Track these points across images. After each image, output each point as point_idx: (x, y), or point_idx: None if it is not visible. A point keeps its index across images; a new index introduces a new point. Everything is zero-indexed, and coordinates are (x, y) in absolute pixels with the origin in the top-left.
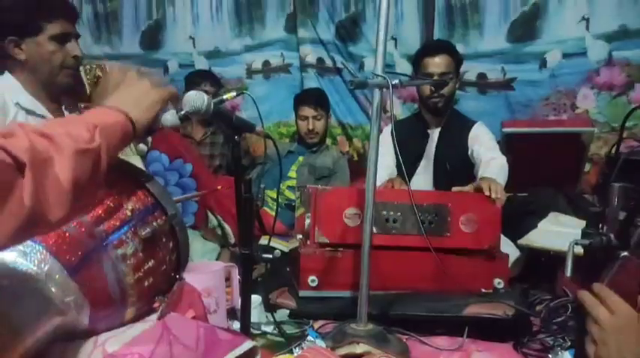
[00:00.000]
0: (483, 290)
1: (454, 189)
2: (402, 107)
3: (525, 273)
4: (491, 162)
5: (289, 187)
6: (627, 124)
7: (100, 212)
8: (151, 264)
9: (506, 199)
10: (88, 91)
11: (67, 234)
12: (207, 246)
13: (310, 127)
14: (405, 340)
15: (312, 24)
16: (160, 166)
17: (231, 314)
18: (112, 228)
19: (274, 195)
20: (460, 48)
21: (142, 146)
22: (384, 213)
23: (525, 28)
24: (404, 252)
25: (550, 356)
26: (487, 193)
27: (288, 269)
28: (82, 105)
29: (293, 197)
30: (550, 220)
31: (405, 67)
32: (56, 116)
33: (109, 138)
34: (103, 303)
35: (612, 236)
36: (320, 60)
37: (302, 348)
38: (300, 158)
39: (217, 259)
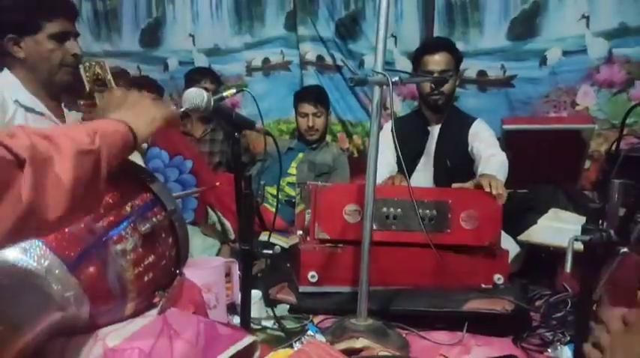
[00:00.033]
0: (483, 285)
1: (454, 185)
2: (402, 104)
3: (525, 269)
4: (491, 158)
5: (289, 184)
6: (627, 121)
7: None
8: (150, 259)
9: (507, 196)
10: (87, 89)
11: (67, 230)
12: (207, 242)
13: (310, 124)
14: (404, 335)
15: (312, 21)
16: (160, 163)
17: (232, 309)
18: (111, 224)
19: (274, 192)
20: (460, 45)
21: None
22: (384, 209)
23: (525, 26)
24: (404, 248)
25: (549, 350)
26: (487, 190)
27: (288, 264)
28: (82, 102)
29: (293, 193)
30: (550, 216)
31: (404, 65)
32: (56, 114)
33: (110, 145)
34: (103, 298)
35: (612, 232)
36: (320, 57)
37: (302, 343)
38: (300, 155)
39: (217, 255)
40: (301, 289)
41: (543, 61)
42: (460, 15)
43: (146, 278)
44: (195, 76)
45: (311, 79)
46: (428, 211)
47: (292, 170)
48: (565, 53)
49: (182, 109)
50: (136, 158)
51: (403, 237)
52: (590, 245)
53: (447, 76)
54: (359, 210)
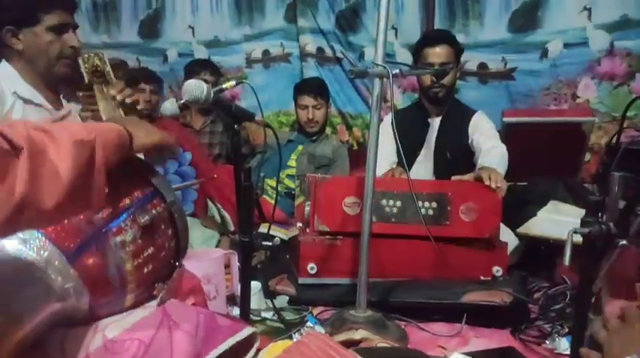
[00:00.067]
0: (482, 277)
1: (454, 178)
2: (402, 96)
3: (524, 261)
4: (491, 151)
5: (289, 176)
6: (628, 114)
7: None
8: (150, 251)
9: (506, 188)
10: (86, 80)
11: (66, 222)
12: (206, 234)
13: (310, 116)
14: (403, 326)
15: (312, 13)
16: None
17: (231, 300)
18: (110, 216)
19: (274, 184)
20: (461, 38)
21: None
22: (384, 201)
23: (526, 18)
24: (403, 240)
25: (547, 342)
26: (487, 182)
27: (287, 256)
28: (80, 94)
29: (293, 185)
30: (549, 209)
31: (405, 57)
32: (54, 106)
33: (105, 141)
34: (103, 290)
35: (612, 225)
36: (320, 49)
37: (301, 334)
38: (300, 147)
39: (217, 246)
40: (301, 281)
41: (544, 54)
42: (461, 7)
43: (146, 270)
44: (195, 67)
45: (311, 71)
46: (427, 203)
47: (292, 162)
48: (566, 45)
49: (182, 101)
50: None
51: (402, 229)
52: (589, 237)
53: (448, 68)
54: (358, 203)
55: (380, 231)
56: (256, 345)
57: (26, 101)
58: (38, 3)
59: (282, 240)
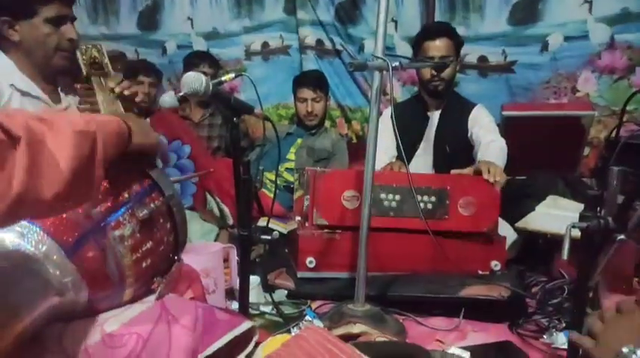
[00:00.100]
0: (480, 272)
1: (453, 171)
2: (401, 89)
3: (522, 256)
4: (490, 144)
5: (288, 169)
6: (628, 108)
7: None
8: (148, 245)
9: (505, 182)
10: (84, 72)
11: (64, 216)
12: (205, 228)
13: (309, 109)
14: (401, 320)
15: (311, 5)
16: None
17: (230, 294)
18: (109, 210)
19: (273, 177)
20: (461, 30)
21: None
22: (383, 195)
23: (527, 11)
24: (402, 234)
25: (545, 337)
26: (486, 176)
27: (286, 250)
28: (79, 86)
29: (292, 179)
30: (548, 203)
31: (405, 50)
32: (52, 98)
33: (104, 132)
34: (101, 284)
35: (610, 219)
36: (319, 42)
37: (300, 328)
38: (299, 140)
39: (216, 240)
40: (299, 275)
41: (544, 47)
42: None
43: (144, 264)
44: (194, 60)
45: (310, 63)
46: (426, 197)
47: (291, 155)
48: (566, 39)
49: (180, 93)
50: None
51: (401, 223)
52: (587, 232)
53: (448, 61)
54: (357, 196)
55: (379, 225)
56: (255, 339)
57: (24, 93)
58: None
59: (280, 233)
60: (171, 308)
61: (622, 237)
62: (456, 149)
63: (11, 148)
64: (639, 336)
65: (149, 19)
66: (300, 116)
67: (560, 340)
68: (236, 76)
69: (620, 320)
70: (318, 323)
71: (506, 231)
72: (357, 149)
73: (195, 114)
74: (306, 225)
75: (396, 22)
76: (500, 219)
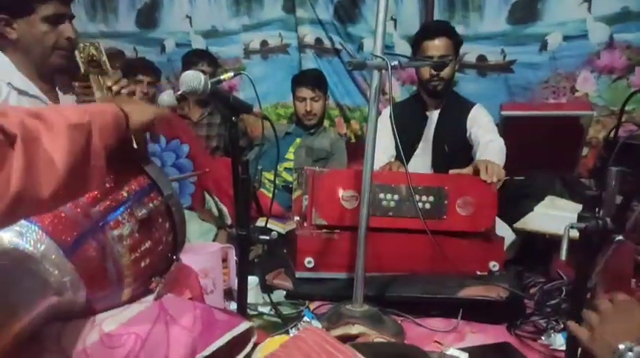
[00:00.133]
0: (478, 272)
1: (452, 171)
2: (400, 89)
3: (521, 256)
4: (489, 144)
5: (287, 169)
6: (626, 108)
7: (95, 193)
8: (147, 244)
9: (503, 183)
10: (82, 70)
11: (63, 215)
12: (204, 227)
13: (308, 109)
14: (400, 321)
15: (310, 4)
16: (157, 147)
17: (228, 294)
18: (108, 209)
19: (271, 177)
20: (460, 29)
21: None
22: (381, 195)
23: (526, 10)
24: (400, 234)
25: (543, 338)
26: (483, 177)
27: (284, 250)
28: (77, 84)
29: (290, 179)
30: (546, 204)
31: (404, 49)
32: (49, 97)
33: (101, 121)
34: (100, 284)
35: (608, 220)
36: (318, 40)
37: (298, 329)
38: (298, 140)
39: (214, 240)
40: (298, 275)
41: (543, 46)
42: None
43: (143, 264)
44: (193, 58)
45: (309, 62)
46: (425, 197)
47: (290, 155)
48: (565, 38)
49: (179, 92)
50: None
51: (400, 223)
52: (585, 232)
53: (447, 60)
54: (356, 196)
55: (377, 225)
56: (253, 340)
57: (21, 92)
58: None
59: (279, 233)
60: (170, 309)
61: (620, 237)
62: (454, 149)
63: (8, 148)
64: (637, 334)
65: (148, 17)
66: (298, 115)
67: (559, 341)
68: (235, 75)
69: (617, 314)
70: (316, 323)
71: (504, 231)
72: (356, 149)
73: (194, 113)
74: (305, 225)
75: (395, 20)
76: (498, 220)
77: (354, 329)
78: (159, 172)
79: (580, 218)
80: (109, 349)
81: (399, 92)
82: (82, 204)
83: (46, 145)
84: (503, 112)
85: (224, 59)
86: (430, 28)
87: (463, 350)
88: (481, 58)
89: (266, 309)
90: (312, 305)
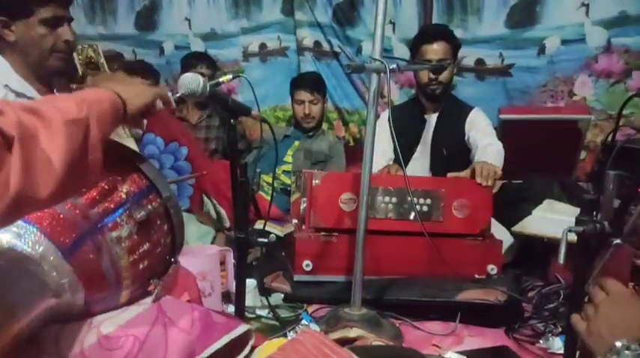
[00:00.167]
0: (477, 276)
1: (450, 174)
2: (399, 92)
3: (519, 260)
4: (487, 148)
5: (285, 172)
6: (624, 112)
7: (94, 194)
8: (145, 246)
9: (501, 186)
10: (80, 72)
11: (62, 216)
12: (202, 230)
13: (307, 112)
14: (398, 325)
15: (309, 7)
16: (155, 149)
17: (226, 297)
18: (106, 211)
19: (270, 180)
20: (458, 33)
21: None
22: (379, 198)
23: (524, 14)
24: (398, 237)
25: (541, 341)
26: (479, 180)
27: (283, 253)
28: (75, 86)
29: (289, 181)
30: (544, 207)
31: (402, 52)
32: None
33: (98, 112)
34: (98, 286)
35: (606, 223)
36: (317, 43)
37: (296, 332)
38: (297, 142)
39: (212, 243)
40: (296, 278)
41: (542, 50)
42: (459, 2)
43: (141, 266)
44: (192, 60)
45: (308, 65)
46: (422, 200)
47: (288, 158)
48: (564, 42)
49: (178, 94)
50: (130, 144)
51: (397, 225)
52: (583, 236)
53: (445, 63)
54: (354, 199)
55: (375, 228)
56: (251, 343)
57: (18, 94)
58: None
59: (277, 236)
60: (168, 311)
61: (618, 241)
62: (453, 152)
63: (6, 152)
64: (636, 333)
65: (147, 20)
66: (297, 118)
67: (557, 345)
68: (234, 77)
69: (613, 307)
70: (314, 327)
71: (502, 234)
72: (355, 152)
73: (193, 115)
74: (303, 227)
75: (393, 24)
76: (496, 223)
77: (353, 333)
78: (157, 174)
79: (578, 221)
80: (107, 351)
81: (398, 95)
82: (81, 205)
83: (43, 145)
84: (502, 116)
85: (223, 62)
86: (429, 32)
87: (461, 353)
88: (479, 62)
89: (264, 312)
90: (310, 308)
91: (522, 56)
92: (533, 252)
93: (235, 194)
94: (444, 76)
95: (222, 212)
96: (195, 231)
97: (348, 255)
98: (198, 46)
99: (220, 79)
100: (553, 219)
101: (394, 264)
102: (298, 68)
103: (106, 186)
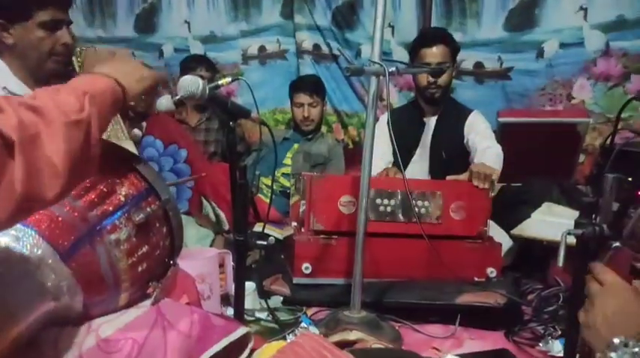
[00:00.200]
0: (476, 278)
1: (449, 177)
2: (398, 95)
3: (518, 263)
4: (486, 151)
5: (284, 174)
6: (623, 115)
7: (93, 197)
8: (144, 249)
9: (500, 189)
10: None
11: (60, 219)
12: (201, 233)
13: (306, 114)
14: (397, 327)
15: (308, 10)
16: (155, 152)
17: (225, 300)
18: (105, 213)
19: (269, 182)
20: (457, 36)
21: (136, 131)
22: (378, 200)
23: (523, 17)
24: (398, 239)
25: (541, 344)
26: (475, 183)
27: (282, 256)
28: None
29: (288, 184)
30: (543, 210)
31: (401, 55)
32: None
33: (100, 105)
34: (97, 288)
35: (605, 226)
36: (316, 46)
37: (295, 335)
38: (296, 145)
39: (211, 245)
40: (295, 280)
41: (540, 53)
42: (458, 5)
43: (140, 269)
44: (191, 63)
45: (307, 68)
46: (420, 202)
47: (287, 160)
48: (562, 45)
49: (177, 97)
50: (129, 146)
51: (396, 227)
52: (582, 239)
53: (444, 67)
54: (354, 201)
55: (374, 230)
56: (250, 345)
57: (16, 97)
58: None
59: (276, 239)
60: (167, 314)
61: (617, 244)
62: (452, 155)
63: (6, 154)
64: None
65: (146, 22)
66: (296, 121)
67: (556, 348)
68: (233, 80)
69: (608, 299)
70: (313, 329)
71: (501, 237)
72: (354, 154)
73: (192, 118)
74: (303, 230)
75: (392, 27)
76: (495, 226)
77: (352, 335)
78: (156, 177)
79: (577, 224)
80: (105, 354)
81: (397, 98)
82: (79, 208)
83: (46, 148)
84: (501, 119)
85: (222, 64)
86: (427, 35)
87: (461, 356)
88: (478, 65)
89: (263, 315)
90: (310, 311)
91: (521, 59)
92: (533, 255)
93: (234, 196)
94: (442, 80)
95: (222, 214)
96: (194, 234)
97: (348, 257)
98: (197, 48)
99: (219, 82)
100: (552, 222)
101: (394, 267)
102: (297, 71)
103: (104, 189)
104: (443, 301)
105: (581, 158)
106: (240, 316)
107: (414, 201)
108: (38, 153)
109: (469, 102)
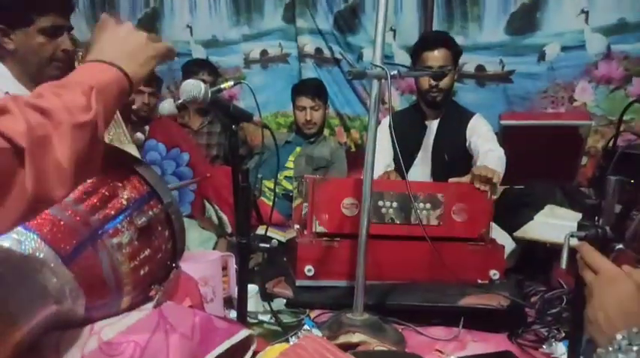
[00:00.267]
0: (479, 281)
1: (451, 180)
2: (400, 98)
3: (521, 265)
4: (488, 153)
5: (287, 177)
6: (625, 118)
7: (95, 201)
8: (146, 252)
9: (503, 192)
10: None
11: (62, 223)
12: (204, 236)
13: (308, 118)
14: (400, 330)
15: (310, 14)
16: (157, 155)
17: (228, 303)
18: (107, 217)
19: (272, 185)
20: (459, 40)
21: (138, 135)
22: (380, 202)
23: (525, 21)
24: (401, 242)
25: (544, 347)
26: (477, 185)
27: (285, 258)
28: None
29: (290, 187)
30: (546, 213)
31: (403, 59)
32: None
33: (106, 100)
34: (99, 292)
35: (608, 229)
36: (318, 50)
37: (298, 337)
38: (298, 148)
39: (214, 248)
40: (298, 283)
41: (542, 57)
42: (459, 9)
43: (142, 272)
44: (193, 67)
45: (309, 71)
46: (422, 205)
47: (290, 164)
48: (564, 48)
49: (179, 101)
50: (132, 150)
51: (399, 229)
52: (585, 241)
53: (446, 70)
54: (356, 204)
55: (377, 233)
56: (253, 348)
57: None
58: (33, 4)
59: (279, 242)
60: (169, 317)
61: (620, 246)
62: (454, 158)
63: (17, 159)
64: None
65: (148, 27)
66: (298, 124)
67: (560, 350)
68: (235, 84)
69: (603, 286)
70: (316, 332)
71: (504, 240)
72: (356, 157)
73: (194, 121)
74: (305, 233)
75: (394, 31)
76: (498, 229)
77: (355, 338)
78: (158, 180)
79: (580, 227)
80: (107, 357)
81: (399, 101)
82: (81, 212)
83: (55, 151)
84: (503, 122)
85: (224, 68)
86: (429, 39)
87: None
88: (480, 68)
89: (266, 318)
90: (313, 314)
91: (522, 62)
92: (536, 257)
93: (237, 199)
94: (444, 83)
95: (224, 218)
96: (196, 237)
97: (350, 260)
98: (199, 52)
99: (222, 86)
100: (555, 225)
101: (396, 269)
102: (299, 75)
103: (106, 193)
104: (446, 303)
105: (584, 160)
106: (243, 318)
107: (416, 204)
108: (47, 158)
109: (471, 105)
